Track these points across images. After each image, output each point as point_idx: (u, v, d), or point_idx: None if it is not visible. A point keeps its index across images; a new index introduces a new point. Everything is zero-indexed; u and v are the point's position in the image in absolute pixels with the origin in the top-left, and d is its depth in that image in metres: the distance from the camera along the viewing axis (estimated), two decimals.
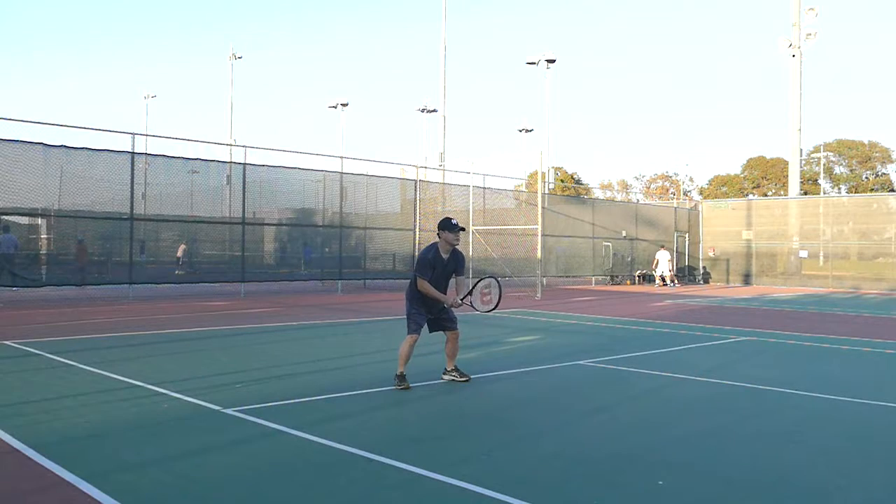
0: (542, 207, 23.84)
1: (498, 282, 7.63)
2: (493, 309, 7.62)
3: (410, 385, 7.21)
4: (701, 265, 34.73)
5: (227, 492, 4.25)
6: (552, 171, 57.01)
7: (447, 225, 7.35)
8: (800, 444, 5.54)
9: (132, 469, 4.60)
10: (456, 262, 7.44)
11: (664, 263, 30.42)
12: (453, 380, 7.58)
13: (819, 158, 72.72)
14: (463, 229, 7.49)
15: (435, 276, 7.32)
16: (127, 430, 5.55)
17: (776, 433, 5.85)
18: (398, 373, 7.24)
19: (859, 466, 5.00)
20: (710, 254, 34.43)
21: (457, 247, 7.45)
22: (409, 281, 7.54)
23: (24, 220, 18.88)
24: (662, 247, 31.74)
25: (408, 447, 5.27)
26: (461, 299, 7.41)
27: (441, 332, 7.60)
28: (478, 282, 7.67)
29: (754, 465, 4.91)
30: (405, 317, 7.51)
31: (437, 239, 7.46)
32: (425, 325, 7.46)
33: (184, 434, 5.51)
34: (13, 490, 4.22)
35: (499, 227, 26.99)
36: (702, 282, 33.94)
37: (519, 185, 39.13)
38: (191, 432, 5.56)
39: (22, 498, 4.11)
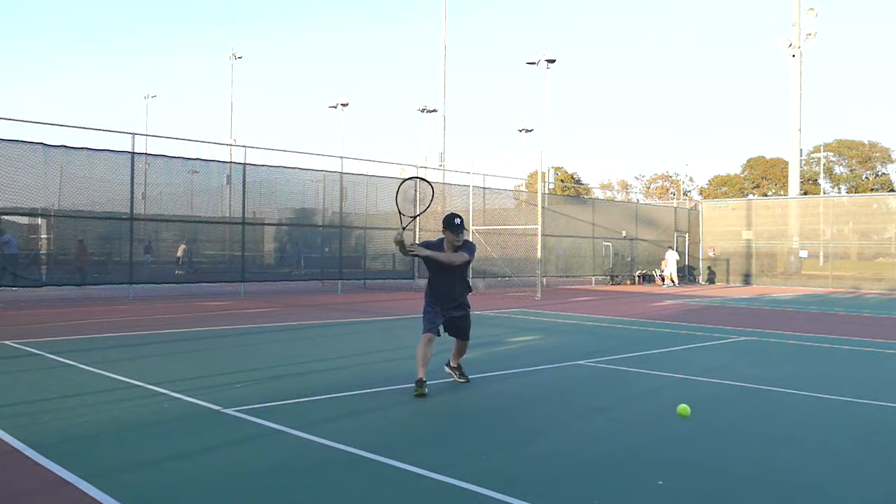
0: (542, 207, 23.83)
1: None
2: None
3: (424, 392, 6.85)
4: (703, 265, 34.71)
5: (227, 492, 4.25)
6: (552, 171, 57.02)
7: (448, 224, 7.17)
8: (800, 444, 5.54)
9: (132, 469, 4.60)
10: (466, 253, 7.25)
11: (672, 263, 30.47)
12: (451, 376, 7.60)
13: (819, 158, 72.76)
14: (463, 229, 7.22)
15: (439, 266, 7.21)
16: (127, 430, 5.55)
17: (776, 433, 5.84)
18: (417, 378, 6.95)
19: (859, 466, 5.00)
20: (710, 254, 34.43)
21: (464, 242, 7.26)
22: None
23: (24, 220, 18.88)
24: (670, 247, 31.80)
25: (408, 447, 5.27)
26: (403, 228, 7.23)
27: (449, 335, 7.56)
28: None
29: (754, 465, 4.91)
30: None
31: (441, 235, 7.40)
32: (441, 326, 7.35)
33: (184, 434, 5.51)
34: (13, 490, 4.21)
35: (499, 227, 26.99)
36: (706, 282, 33.92)
37: (519, 185, 39.14)
38: (191, 432, 5.56)
39: (22, 498, 4.11)
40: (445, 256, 7.18)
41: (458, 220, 7.14)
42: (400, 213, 7.26)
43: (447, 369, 7.67)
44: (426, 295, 7.38)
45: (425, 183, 7.61)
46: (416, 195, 25.27)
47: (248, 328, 12.57)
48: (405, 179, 7.50)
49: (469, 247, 7.32)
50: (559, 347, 10.82)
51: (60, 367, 8.21)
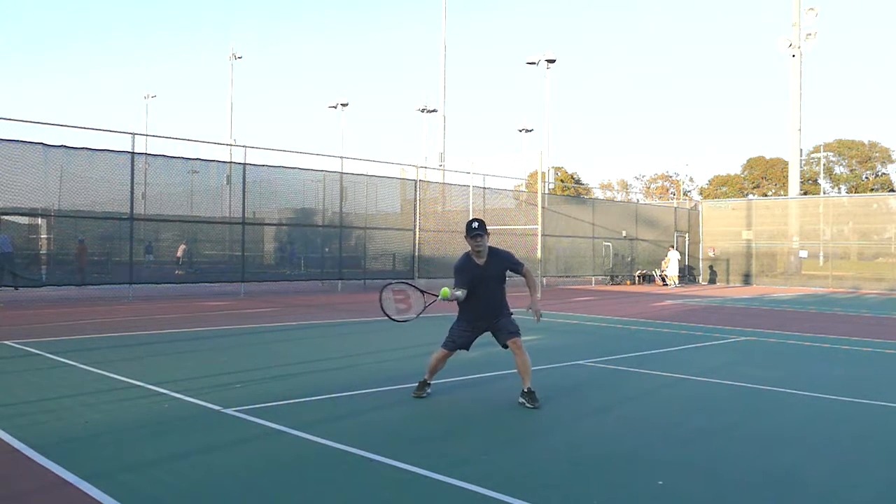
0: (542, 207, 23.84)
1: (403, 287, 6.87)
2: (406, 319, 6.86)
3: (422, 395, 6.86)
4: (704, 265, 34.68)
5: (228, 492, 4.25)
6: (552, 171, 57.00)
7: (466, 229, 6.65)
8: (800, 444, 5.54)
9: (132, 469, 4.60)
10: (501, 263, 6.75)
11: (675, 263, 30.45)
12: (523, 404, 6.57)
13: (819, 158, 72.75)
14: (481, 234, 6.57)
15: (474, 283, 6.61)
16: (127, 430, 5.55)
17: (777, 433, 5.84)
18: (422, 379, 6.92)
19: (859, 466, 5.00)
20: (710, 254, 34.42)
21: (493, 247, 6.79)
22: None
23: (24, 220, 18.88)
24: (672, 247, 31.80)
25: (408, 447, 5.27)
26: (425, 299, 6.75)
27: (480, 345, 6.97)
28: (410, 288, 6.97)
29: (754, 465, 4.91)
30: None
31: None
32: (468, 341, 6.82)
33: (184, 434, 5.51)
34: (13, 490, 4.21)
35: (499, 227, 26.96)
36: (707, 282, 33.91)
37: (519, 185, 39.12)
38: (191, 432, 5.56)
39: (22, 498, 4.11)
40: (535, 294, 7.01)
41: (475, 224, 6.58)
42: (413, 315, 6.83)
43: (520, 401, 6.61)
44: (459, 313, 6.81)
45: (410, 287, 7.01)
46: (416, 195, 25.24)
47: (248, 328, 12.57)
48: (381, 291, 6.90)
49: (509, 260, 6.84)
50: (559, 347, 10.81)
51: (60, 367, 8.21)
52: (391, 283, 6.96)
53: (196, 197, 22.04)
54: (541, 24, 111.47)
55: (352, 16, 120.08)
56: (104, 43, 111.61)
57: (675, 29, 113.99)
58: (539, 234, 22.79)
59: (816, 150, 73.18)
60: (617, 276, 31.99)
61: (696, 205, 38.62)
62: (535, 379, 6.74)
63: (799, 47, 34.67)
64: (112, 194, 19.24)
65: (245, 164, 21.32)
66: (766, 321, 15.44)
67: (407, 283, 6.80)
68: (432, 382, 7.02)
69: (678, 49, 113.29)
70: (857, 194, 55.40)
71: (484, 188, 27.13)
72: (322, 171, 23.84)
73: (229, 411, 6.13)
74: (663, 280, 31.11)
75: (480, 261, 6.68)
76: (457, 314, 6.87)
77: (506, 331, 6.70)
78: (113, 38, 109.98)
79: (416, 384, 6.96)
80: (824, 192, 66.75)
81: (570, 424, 6.13)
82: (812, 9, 34.58)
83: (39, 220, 18.91)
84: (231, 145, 29.32)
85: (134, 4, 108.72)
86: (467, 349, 6.94)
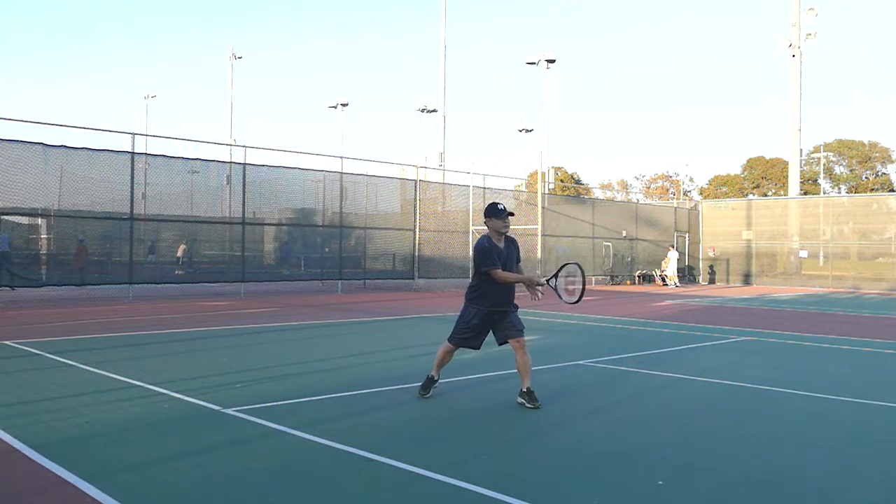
0: (542, 207, 23.84)
1: (581, 270, 6.66)
2: (578, 301, 6.66)
3: (426, 394, 6.82)
4: (704, 265, 34.69)
5: (227, 492, 4.25)
6: (552, 170, 56.96)
7: (493, 211, 6.47)
8: (800, 444, 5.54)
9: (132, 469, 4.60)
10: (516, 247, 6.63)
11: (674, 263, 30.46)
12: (522, 404, 6.49)
13: (819, 158, 72.76)
14: (511, 214, 6.57)
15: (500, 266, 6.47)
16: (127, 430, 5.55)
17: (776, 433, 5.84)
18: (429, 374, 6.84)
19: (859, 466, 5.00)
20: (710, 254, 34.43)
21: (508, 234, 6.59)
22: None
23: (24, 220, 18.89)
24: (672, 247, 31.81)
25: (408, 447, 5.27)
26: (547, 281, 6.44)
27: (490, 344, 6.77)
28: (562, 267, 6.73)
29: (754, 465, 4.91)
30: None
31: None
32: (476, 340, 6.66)
33: (184, 434, 5.51)
34: (13, 490, 4.21)
35: None
36: (707, 282, 33.91)
37: (519, 185, 39.08)
38: (191, 432, 5.56)
39: (22, 498, 4.11)
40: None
41: (501, 206, 6.52)
42: (556, 279, 6.60)
43: (519, 401, 6.55)
44: (470, 299, 6.61)
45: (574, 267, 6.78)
46: (416, 195, 25.24)
47: (248, 328, 12.57)
48: (576, 268, 6.69)
49: (515, 242, 6.66)
50: (559, 347, 10.81)
51: (60, 367, 8.21)
52: (569, 265, 6.72)
53: (196, 197, 22.05)
54: (541, 24, 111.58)
55: (352, 16, 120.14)
56: (104, 43, 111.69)
57: (675, 29, 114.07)
58: (539, 234, 22.80)
59: (816, 150, 73.22)
60: (617, 276, 32.00)
61: (696, 205, 38.62)
62: (535, 379, 6.73)
63: (799, 47, 34.67)
64: (112, 194, 19.25)
65: (245, 164, 21.33)
66: (766, 321, 15.44)
67: (578, 267, 6.65)
68: (439, 380, 6.94)
69: (678, 49, 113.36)
70: (857, 194, 55.39)
71: (484, 188, 27.13)
72: (322, 171, 23.86)
73: (229, 411, 6.13)
74: (663, 280, 31.13)
75: (500, 244, 6.55)
76: (463, 307, 6.72)
77: (514, 328, 6.54)
78: (113, 38, 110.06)
79: (422, 382, 6.89)
80: (824, 192, 66.78)
81: (570, 424, 6.13)
82: (812, 9, 34.58)
83: (39, 220, 18.92)
84: (231, 145, 29.31)
85: (134, 4, 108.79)
86: (478, 347, 6.78)
